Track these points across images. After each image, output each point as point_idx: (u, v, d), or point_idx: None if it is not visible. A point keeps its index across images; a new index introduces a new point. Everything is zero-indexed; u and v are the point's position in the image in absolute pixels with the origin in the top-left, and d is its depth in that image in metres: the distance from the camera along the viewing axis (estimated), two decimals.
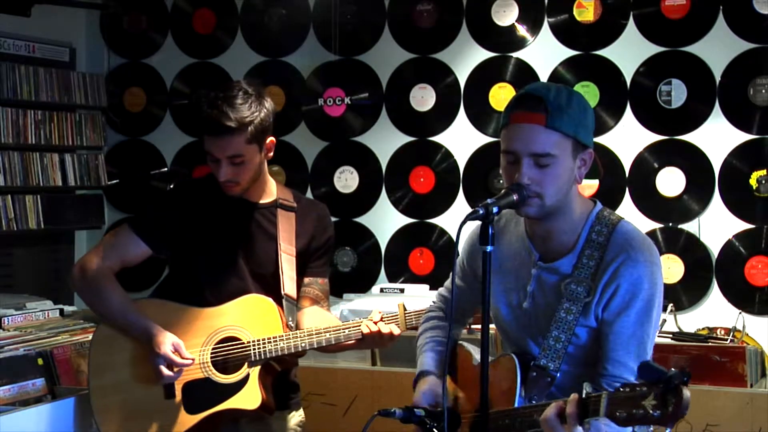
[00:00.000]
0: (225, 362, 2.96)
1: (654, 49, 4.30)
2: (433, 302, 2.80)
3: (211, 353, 2.96)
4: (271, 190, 3.10)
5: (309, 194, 4.81)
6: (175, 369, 2.91)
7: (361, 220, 4.81)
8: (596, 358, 2.34)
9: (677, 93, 4.25)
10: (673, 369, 1.85)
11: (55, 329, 3.78)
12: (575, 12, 4.40)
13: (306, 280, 3.11)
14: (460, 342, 2.64)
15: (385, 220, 4.77)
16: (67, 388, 3.39)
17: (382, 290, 4.39)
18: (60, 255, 5.08)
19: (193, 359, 2.93)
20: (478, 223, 2.34)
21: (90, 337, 3.66)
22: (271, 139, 3.00)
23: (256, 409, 2.92)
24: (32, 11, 4.73)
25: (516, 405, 2.28)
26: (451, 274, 2.73)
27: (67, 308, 4.16)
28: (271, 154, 3.02)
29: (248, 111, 2.89)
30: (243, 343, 2.94)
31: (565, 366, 2.33)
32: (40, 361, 3.40)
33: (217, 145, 2.90)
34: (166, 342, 2.91)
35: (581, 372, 2.34)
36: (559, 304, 2.33)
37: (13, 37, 4.70)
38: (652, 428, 1.95)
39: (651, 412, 1.86)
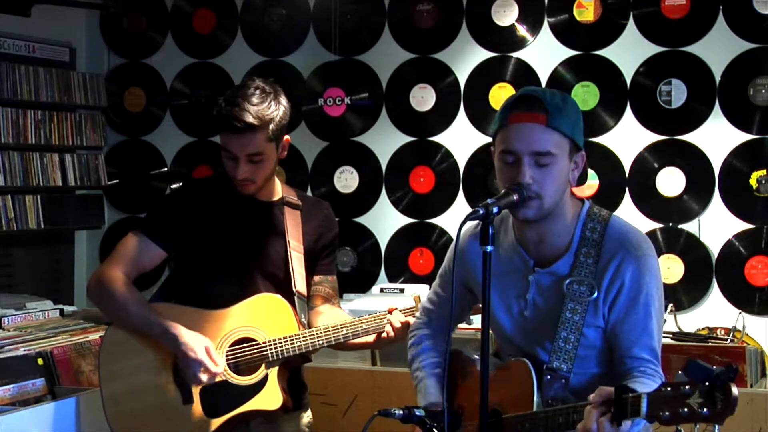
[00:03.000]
0: (241, 364, 2.94)
1: (654, 49, 4.29)
2: (417, 317, 2.78)
3: (227, 355, 2.94)
4: (277, 189, 3.10)
5: (309, 194, 4.80)
6: (208, 374, 2.86)
7: (361, 220, 4.80)
8: (608, 360, 2.35)
9: (677, 93, 4.25)
10: (716, 367, 1.86)
11: (55, 329, 3.78)
12: (575, 12, 4.40)
13: (316, 278, 3.11)
14: (460, 349, 2.64)
15: (385, 220, 4.77)
16: (67, 388, 3.40)
17: (382, 290, 4.38)
18: (60, 255, 5.08)
19: (223, 364, 2.89)
20: (463, 230, 2.33)
21: (90, 337, 3.68)
22: (287, 137, 2.99)
23: (277, 410, 2.90)
24: (32, 11, 4.72)
25: (534, 409, 2.28)
26: (433, 285, 2.73)
27: (67, 308, 4.17)
28: (285, 153, 3.00)
29: (268, 109, 2.88)
30: (259, 344, 2.92)
31: (578, 368, 2.33)
32: (40, 361, 3.41)
33: (238, 143, 2.88)
34: (199, 346, 2.85)
35: (595, 374, 2.35)
36: (563, 305, 2.33)
37: (13, 37, 4.70)
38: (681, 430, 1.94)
39: (698, 410, 1.86)
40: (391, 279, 4.72)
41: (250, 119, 2.84)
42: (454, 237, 2.25)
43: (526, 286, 2.41)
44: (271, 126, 2.88)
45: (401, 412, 2.34)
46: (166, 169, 5.14)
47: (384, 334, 2.94)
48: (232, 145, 2.89)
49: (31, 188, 4.65)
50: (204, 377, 2.86)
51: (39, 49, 4.83)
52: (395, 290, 4.34)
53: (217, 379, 2.90)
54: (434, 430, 2.32)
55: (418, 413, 2.35)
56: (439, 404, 2.50)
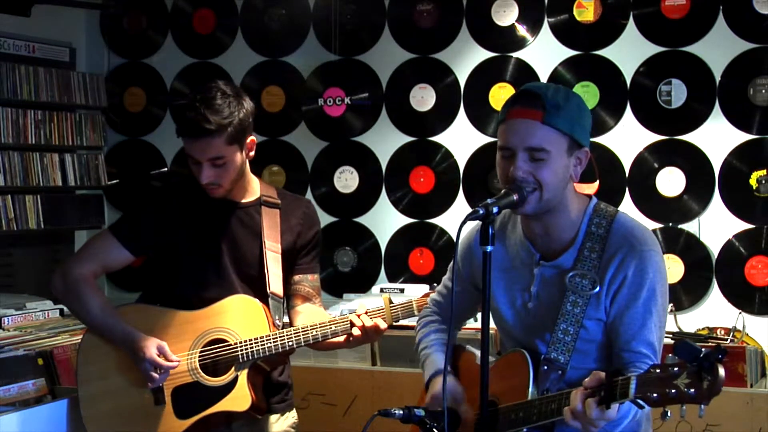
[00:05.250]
0: (214, 365, 2.95)
1: (654, 49, 4.29)
2: (427, 307, 2.80)
3: (199, 356, 2.95)
4: (254, 189, 3.09)
5: (309, 194, 4.81)
6: (161, 372, 2.91)
7: (361, 220, 4.80)
8: (607, 355, 2.35)
9: (677, 93, 4.25)
10: (704, 348, 1.88)
11: (55, 329, 3.78)
12: (575, 12, 4.40)
13: (296, 277, 3.10)
14: (464, 345, 2.64)
15: (385, 220, 4.77)
16: (67, 388, 3.40)
17: (382, 290, 4.38)
18: (60, 255, 5.06)
19: (179, 361, 2.92)
20: (472, 227, 2.35)
21: None
22: (251, 138, 2.99)
23: (246, 411, 2.91)
24: (32, 11, 4.72)
25: (529, 398, 2.29)
26: (443, 278, 2.74)
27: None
28: (253, 153, 3.01)
29: (227, 111, 2.88)
30: (230, 345, 2.93)
31: (576, 362, 2.34)
32: (40, 361, 3.41)
33: (197, 148, 2.90)
34: (150, 346, 2.91)
35: (593, 369, 2.35)
36: (565, 298, 2.34)
37: (13, 37, 4.70)
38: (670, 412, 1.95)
39: (685, 390, 1.87)
40: (391, 279, 4.72)
41: (206, 124, 2.86)
42: (455, 237, 2.26)
43: (531, 279, 2.42)
44: (229, 129, 2.88)
45: (401, 412, 2.34)
46: (166, 169, 5.14)
47: (351, 338, 2.94)
48: (192, 149, 2.92)
49: (31, 188, 4.65)
50: (155, 375, 2.90)
51: (39, 49, 4.83)
52: (395, 290, 4.34)
53: (189, 380, 2.93)
54: (434, 430, 2.32)
55: (418, 413, 2.35)
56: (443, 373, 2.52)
